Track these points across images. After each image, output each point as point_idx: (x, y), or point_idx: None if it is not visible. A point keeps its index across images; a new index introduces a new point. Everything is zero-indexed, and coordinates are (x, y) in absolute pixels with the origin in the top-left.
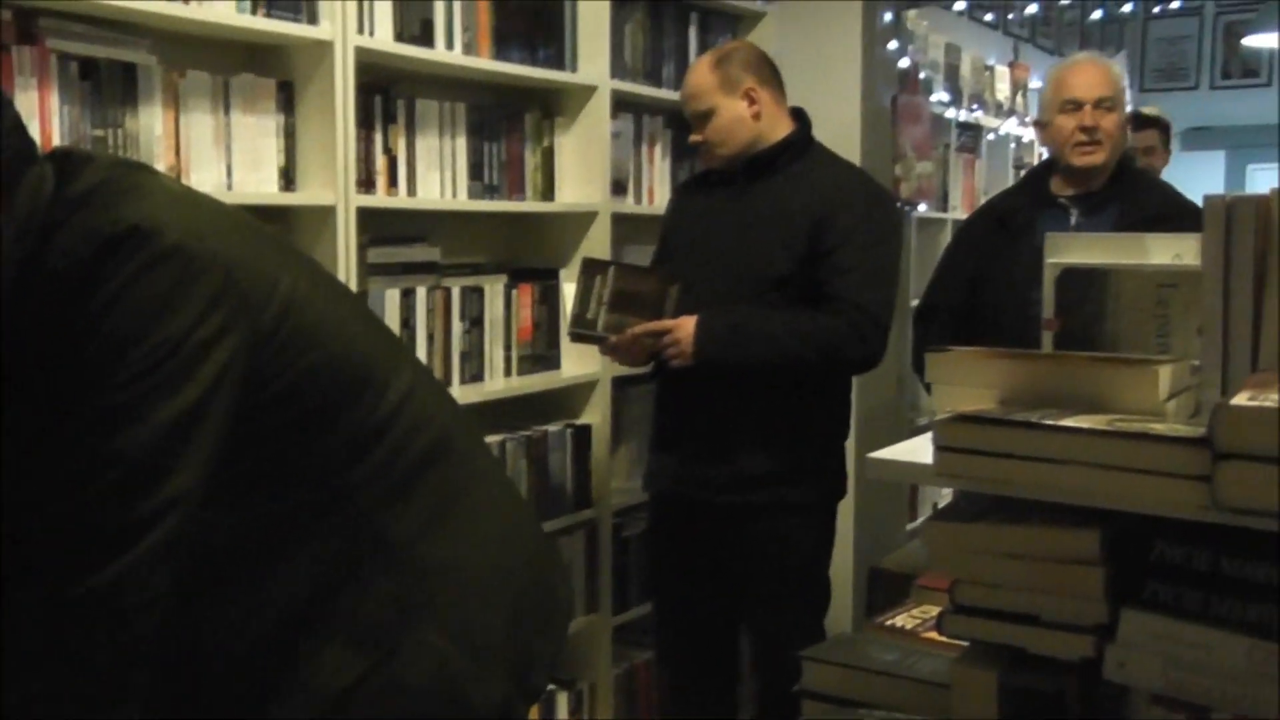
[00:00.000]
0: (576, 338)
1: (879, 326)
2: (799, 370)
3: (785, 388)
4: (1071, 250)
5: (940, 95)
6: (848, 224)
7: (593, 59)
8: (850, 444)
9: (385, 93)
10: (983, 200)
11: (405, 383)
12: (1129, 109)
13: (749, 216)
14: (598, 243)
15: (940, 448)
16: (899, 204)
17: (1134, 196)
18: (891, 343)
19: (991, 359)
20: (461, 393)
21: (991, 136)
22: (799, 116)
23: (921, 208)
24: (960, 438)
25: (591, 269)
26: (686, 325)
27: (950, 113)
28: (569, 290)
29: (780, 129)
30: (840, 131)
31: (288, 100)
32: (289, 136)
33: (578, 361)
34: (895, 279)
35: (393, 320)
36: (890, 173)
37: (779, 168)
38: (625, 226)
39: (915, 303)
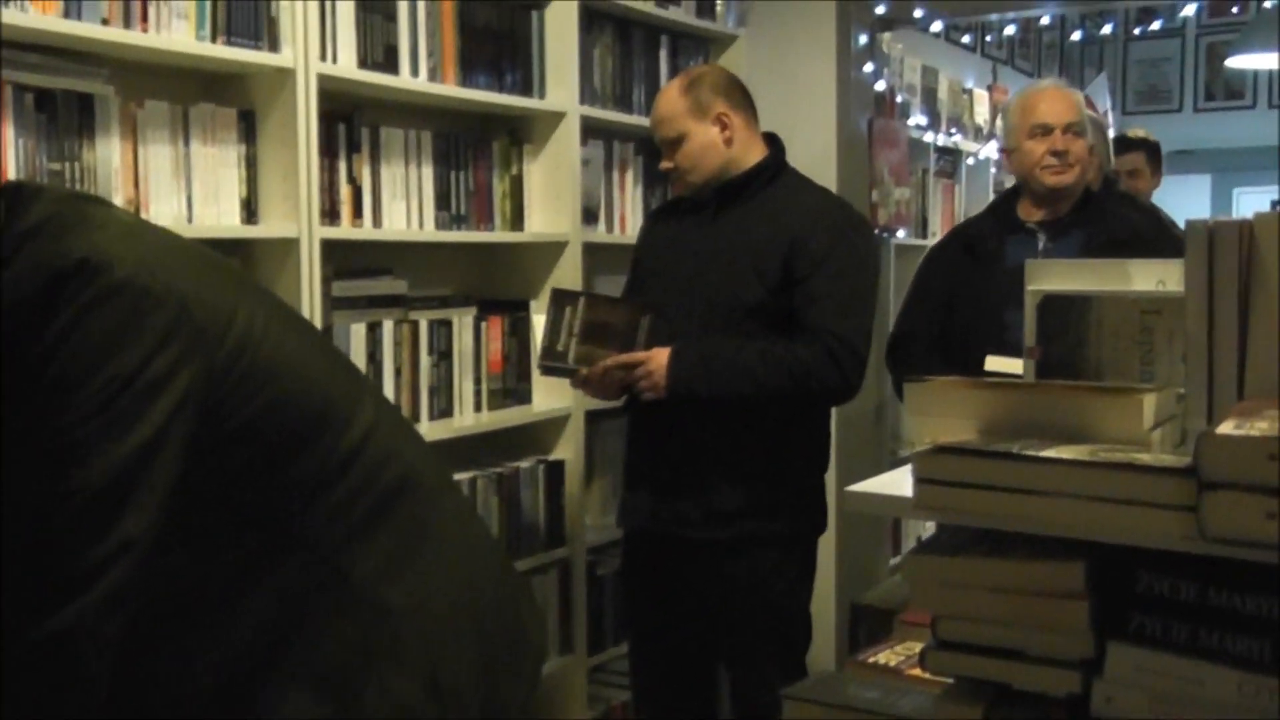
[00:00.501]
0: (547, 370)
1: (855, 355)
2: (774, 401)
3: (761, 419)
4: (1052, 277)
5: (918, 119)
6: (822, 250)
7: (561, 84)
8: (830, 476)
9: (349, 121)
10: None
11: (368, 419)
12: (1111, 132)
13: (721, 244)
14: (568, 273)
15: (920, 480)
16: (876, 230)
17: (1101, 221)
18: (871, 371)
19: (971, 388)
20: (430, 429)
21: (971, 161)
22: (772, 141)
23: (900, 234)
24: (940, 470)
25: (561, 300)
26: (659, 357)
27: (928, 137)
28: (539, 322)
29: (753, 154)
30: (815, 157)
31: (249, 130)
32: (250, 166)
33: (549, 395)
34: (872, 306)
35: (359, 355)
36: (867, 199)
37: (751, 194)
38: (597, 256)
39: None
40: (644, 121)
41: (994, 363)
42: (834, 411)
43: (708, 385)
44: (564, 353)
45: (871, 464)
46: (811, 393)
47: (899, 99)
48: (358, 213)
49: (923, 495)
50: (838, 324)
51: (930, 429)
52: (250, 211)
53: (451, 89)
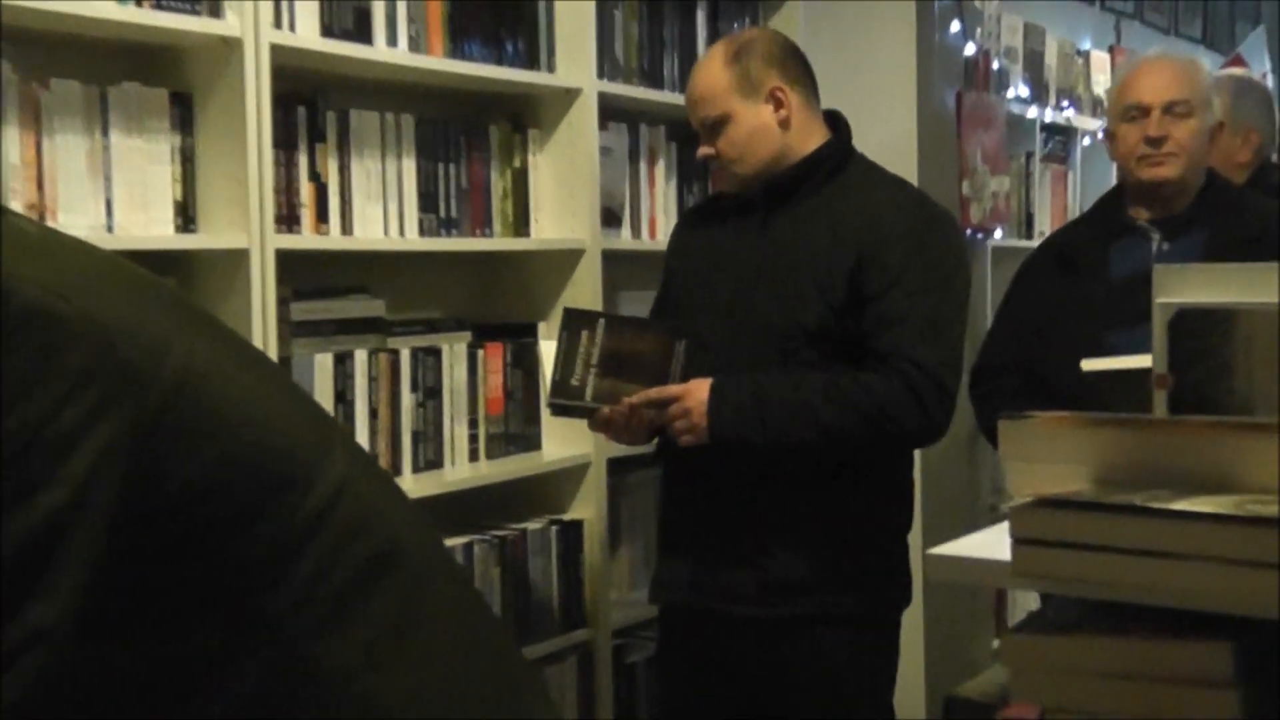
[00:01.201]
0: (559, 410)
1: (942, 389)
2: (842, 447)
3: (826, 469)
4: (1188, 285)
5: (1019, 91)
6: (899, 260)
7: (575, 56)
8: (915, 537)
9: (311, 103)
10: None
11: (338, 475)
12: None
13: (773, 253)
14: (585, 289)
15: (1018, 540)
16: (968, 231)
17: (1227, 217)
18: (962, 407)
19: (1083, 426)
20: (415, 484)
21: (1088, 141)
22: (835, 123)
23: (997, 234)
24: (1044, 527)
25: (576, 323)
26: (698, 392)
27: (1032, 112)
28: (548, 350)
29: (812, 140)
30: (890, 141)
31: (185, 116)
32: (187, 162)
33: (563, 440)
34: (962, 328)
35: (324, 394)
36: (955, 192)
37: (811, 189)
38: (620, 268)
39: None
40: (678, 100)
41: (1094, 364)
42: (917, 456)
43: (760, 428)
44: (580, 388)
45: (965, 521)
46: (889, 435)
47: (995, 66)
48: (322, 217)
49: (1022, 559)
50: (920, 350)
51: (1031, 477)
52: (187, 218)
53: (438, 62)
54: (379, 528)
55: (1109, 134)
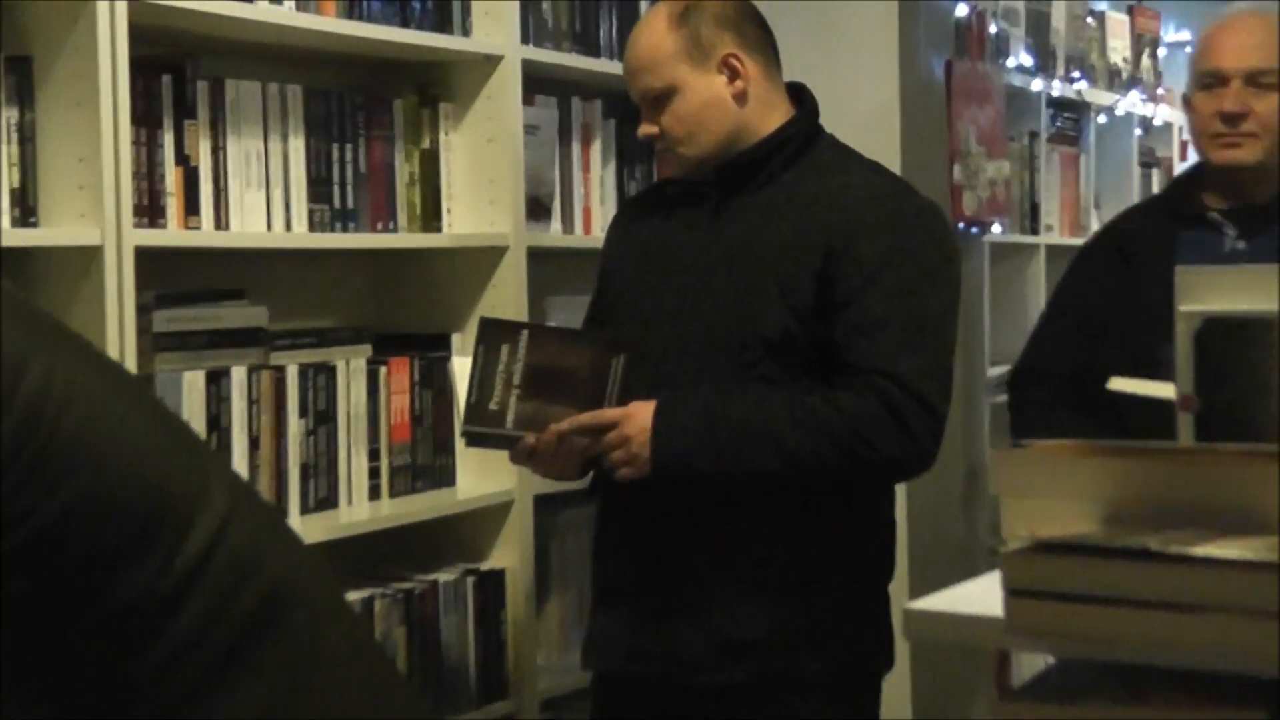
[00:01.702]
0: (474, 439)
1: (928, 408)
2: (810, 478)
3: (791, 506)
4: (1216, 290)
5: (1020, 59)
6: (875, 256)
7: (495, 16)
8: (898, 586)
9: (178, 71)
10: (1095, 216)
11: (218, 512)
12: None
13: (728, 250)
14: (507, 293)
15: (1013, 591)
16: (959, 225)
17: None
18: (954, 428)
19: (1089, 456)
20: (304, 527)
21: (1103, 119)
22: (799, 97)
23: (995, 228)
24: (1043, 576)
25: (494, 336)
26: (639, 417)
27: (1037, 85)
28: (462, 368)
29: (773, 116)
30: (866, 119)
31: (23, 85)
32: (25, 141)
33: (481, 474)
34: (951, 337)
35: (194, 419)
36: (945, 179)
37: (771, 175)
38: (549, 268)
39: (995, 370)
40: (617, 70)
41: (1124, 385)
42: (900, 490)
43: (711, 456)
44: (499, 413)
45: (959, 567)
46: (865, 464)
47: (992, 30)
48: (192, 208)
49: (1018, 614)
50: (900, 363)
51: (1029, 516)
52: (25, 208)
53: (331, 23)
54: (267, 570)
55: (1186, 101)
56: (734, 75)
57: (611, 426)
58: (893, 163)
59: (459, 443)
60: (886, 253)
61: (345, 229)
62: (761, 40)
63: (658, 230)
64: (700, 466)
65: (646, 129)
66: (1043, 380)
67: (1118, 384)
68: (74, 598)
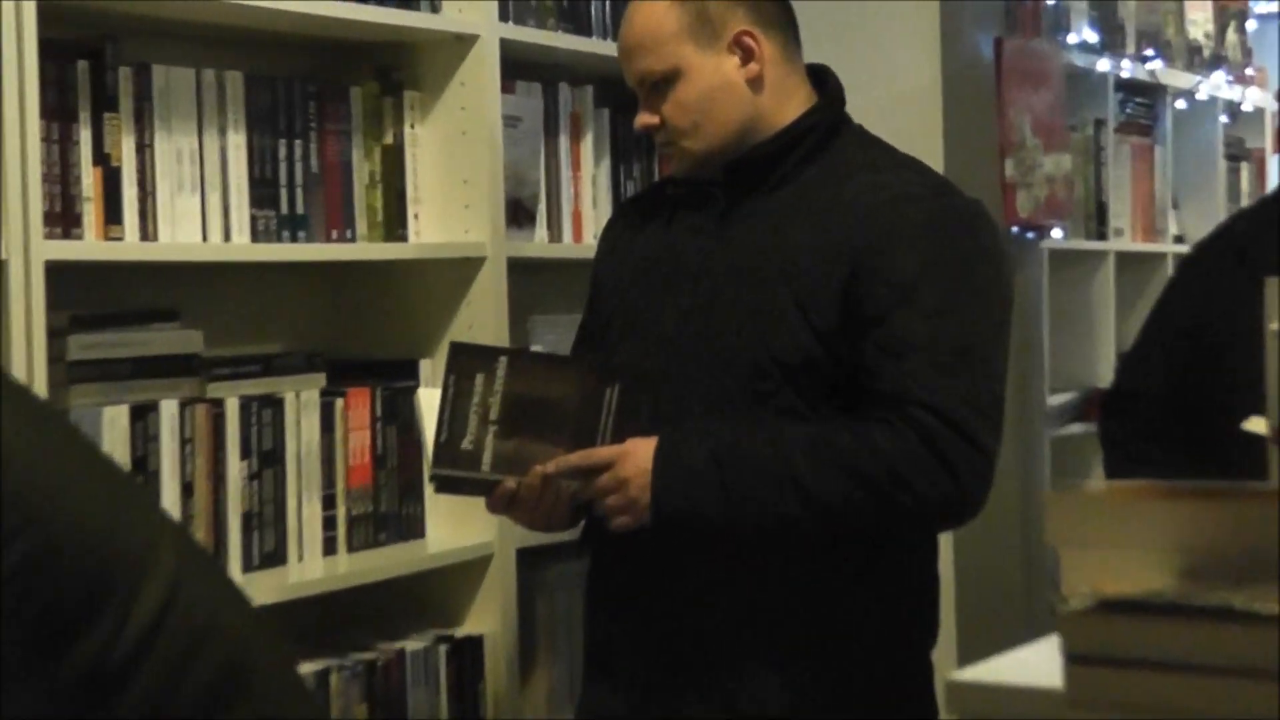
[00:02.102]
0: (444, 484)
1: (974, 444)
2: (837, 527)
3: (816, 559)
4: None
5: (1083, 35)
6: (911, 267)
7: None
8: (945, 652)
9: (96, 55)
10: (1173, 218)
11: (168, 575)
12: None
13: (739, 260)
14: (484, 312)
15: (1074, 658)
16: (1012, 230)
17: None
18: (1008, 470)
19: (1162, 500)
20: (247, 587)
21: (1181, 104)
22: (821, 83)
23: (1055, 234)
24: (1108, 639)
25: (467, 364)
26: (637, 455)
27: (1103, 65)
28: (430, 402)
29: (792, 105)
30: (902, 106)
31: None
32: None
33: (456, 523)
34: (1001, 360)
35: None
36: (995, 175)
37: (789, 173)
38: (533, 283)
39: (1056, 398)
40: (610, 51)
41: (1258, 425)
42: (947, 540)
43: (720, 502)
44: (473, 453)
45: (1017, 629)
46: (901, 509)
47: (1048, 1)
48: (113, 216)
49: (1080, 684)
50: (941, 391)
51: (1093, 569)
52: None
53: None
54: (223, 637)
55: None
56: (748, 56)
57: (605, 467)
58: (933, 157)
59: (428, 488)
60: (923, 263)
61: (294, 239)
62: (779, 15)
63: (658, 238)
64: (708, 514)
65: (645, 119)
66: (1143, 407)
67: (1254, 425)
68: (15, 674)
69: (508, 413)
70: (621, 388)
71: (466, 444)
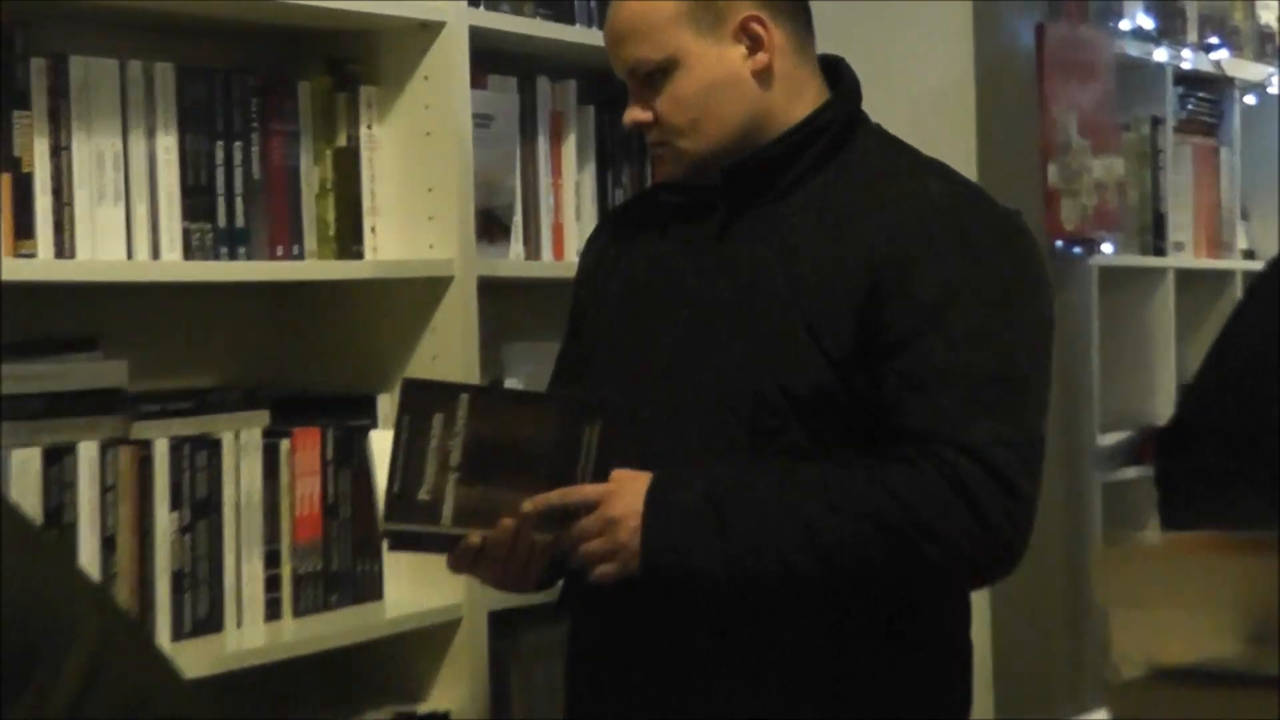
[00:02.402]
0: (399, 541)
1: (1008, 488)
2: (852, 582)
3: (827, 623)
4: None
5: (1137, 21)
6: (936, 287)
7: None
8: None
9: (5, 45)
10: (1242, 230)
11: (91, 644)
12: None
13: (741, 279)
14: (451, 339)
15: None
16: (1056, 243)
17: None
18: (1052, 519)
19: (1225, 555)
20: (178, 656)
21: (1250, 99)
22: (834, 73)
23: (1106, 248)
24: (1164, 712)
25: (422, 401)
26: (627, 493)
27: (1160, 55)
28: (383, 446)
29: (802, 101)
30: (929, 103)
31: None
32: None
33: (418, 583)
34: (1041, 393)
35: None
36: (1038, 181)
37: (798, 179)
38: (508, 306)
39: (1107, 437)
40: (596, 40)
41: None
42: (982, 599)
43: (719, 552)
44: (431, 504)
45: (1066, 698)
46: (924, 561)
47: None
48: (24, 230)
49: None
50: (972, 428)
51: (1145, 633)
52: None
53: None
54: (151, 716)
55: None
56: (755, 45)
57: (590, 507)
58: (966, 162)
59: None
60: (952, 282)
61: (233, 256)
62: (792, 2)
63: (648, 254)
64: (704, 564)
65: (636, 114)
66: (1206, 446)
67: None
68: None
69: (471, 458)
70: (603, 426)
71: (424, 494)
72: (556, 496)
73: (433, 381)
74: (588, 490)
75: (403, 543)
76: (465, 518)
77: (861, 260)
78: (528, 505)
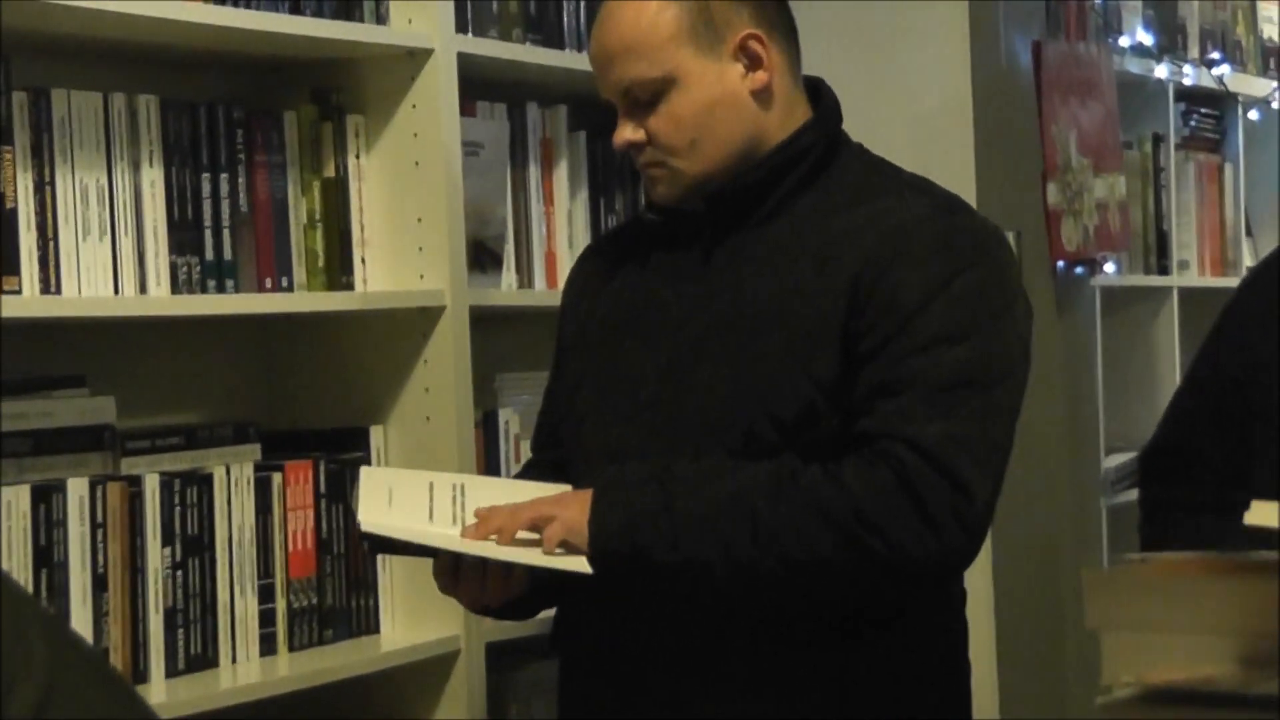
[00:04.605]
0: (377, 544)
1: (958, 487)
2: (801, 580)
3: (817, 645)
4: None
5: (1137, 37)
6: (911, 294)
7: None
8: None
9: None
10: (1248, 248)
11: (41, 676)
12: None
13: (726, 303)
14: (443, 371)
15: None
16: (1058, 264)
17: None
18: (1060, 543)
19: (1217, 576)
20: (171, 695)
21: (1255, 115)
22: (815, 94)
23: (1109, 268)
24: None
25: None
26: (578, 493)
27: (1161, 71)
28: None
29: (793, 121)
30: (924, 123)
31: None
32: None
33: (415, 617)
34: (1009, 401)
35: (15, 551)
36: (1037, 200)
37: (781, 203)
38: (501, 336)
39: (1112, 459)
40: (585, 65)
41: (1264, 513)
42: (987, 623)
43: (667, 534)
44: None
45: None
46: (870, 555)
47: (1096, 1)
48: (9, 266)
49: None
50: (927, 426)
51: (1139, 655)
52: None
53: (198, 9)
54: None
55: None
56: (754, 64)
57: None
58: (964, 182)
59: (383, 574)
60: (926, 288)
61: (221, 289)
62: (784, 20)
63: (631, 282)
64: (650, 545)
65: (628, 135)
66: (1187, 471)
67: (1260, 514)
68: None
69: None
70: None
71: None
72: (507, 512)
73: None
74: (542, 508)
75: (381, 544)
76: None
77: (844, 280)
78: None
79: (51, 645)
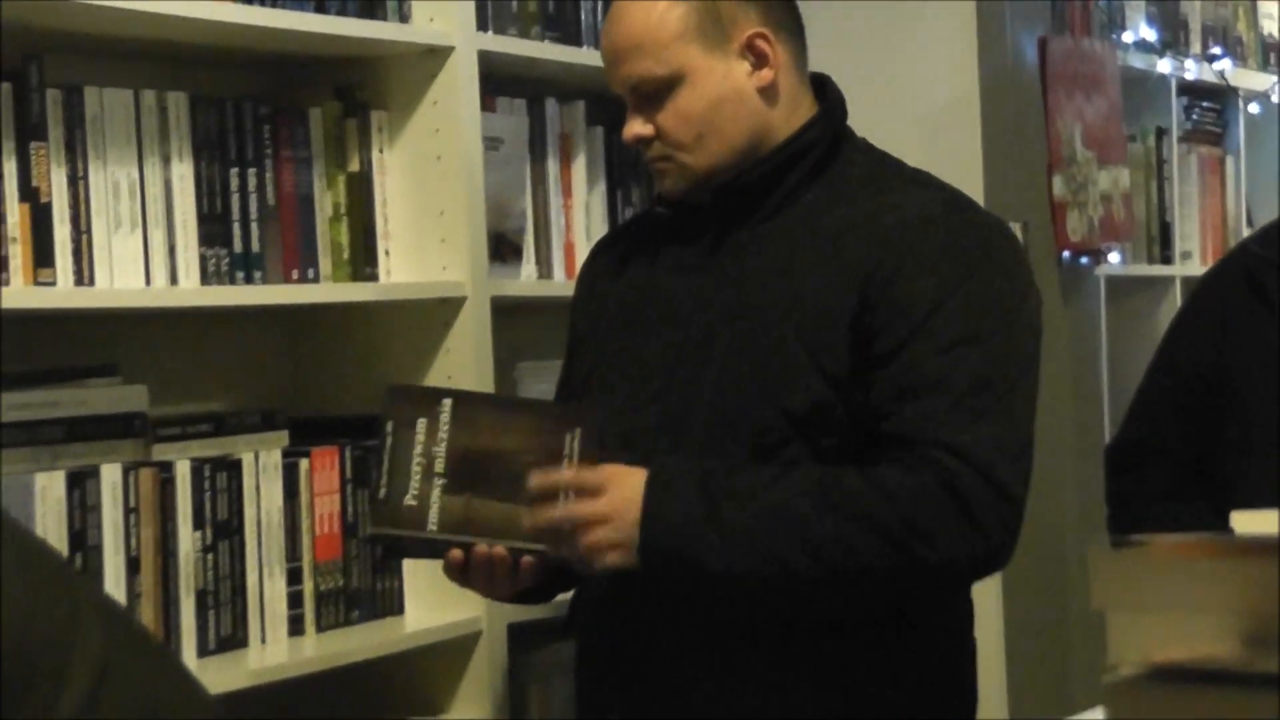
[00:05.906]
0: (389, 548)
1: (1000, 489)
2: (846, 584)
3: (830, 632)
4: None
5: (1141, 33)
6: (924, 295)
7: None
8: None
9: (19, 78)
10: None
11: (95, 658)
12: None
13: (735, 296)
14: (465, 360)
15: None
16: (1063, 254)
17: None
18: (1066, 528)
19: (1223, 556)
20: (203, 673)
21: (1255, 108)
22: (820, 90)
23: (1113, 259)
24: (1160, 713)
25: (407, 408)
26: (625, 488)
27: (1164, 66)
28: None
29: (798, 118)
30: (933, 118)
31: None
32: None
33: (438, 598)
34: (1030, 398)
35: (50, 536)
36: (1042, 193)
37: (788, 196)
38: (521, 326)
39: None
40: (599, 61)
41: (1245, 520)
42: (994, 604)
43: (718, 551)
44: (417, 509)
45: (1076, 702)
46: (918, 562)
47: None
48: (43, 258)
49: None
50: (964, 432)
51: (1143, 634)
52: None
53: (225, 8)
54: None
55: None
56: (760, 61)
57: (594, 493)
58: (971, 176)
59: (406, 563)
60: (939, 290)
61: (249, 280)
62: (790, 17)
63: (640, 276)
64: (702, 562)
65: (637, 129)
66: (1153, 460)
67: (1241, 521)
68: None
69: (455, 467)
70: (584, 431)
71: (410, 500)
72: (550, 480)
73: (417, 388)
74: (589, 477)
75: (393, 550)
76: (451, 525)
77: (852, 275)
78: (538, 480)
79: (106, 630)
